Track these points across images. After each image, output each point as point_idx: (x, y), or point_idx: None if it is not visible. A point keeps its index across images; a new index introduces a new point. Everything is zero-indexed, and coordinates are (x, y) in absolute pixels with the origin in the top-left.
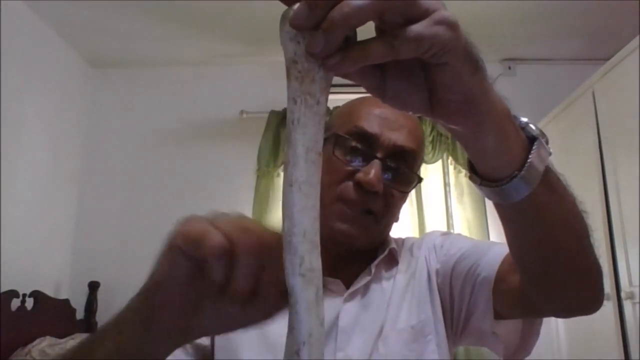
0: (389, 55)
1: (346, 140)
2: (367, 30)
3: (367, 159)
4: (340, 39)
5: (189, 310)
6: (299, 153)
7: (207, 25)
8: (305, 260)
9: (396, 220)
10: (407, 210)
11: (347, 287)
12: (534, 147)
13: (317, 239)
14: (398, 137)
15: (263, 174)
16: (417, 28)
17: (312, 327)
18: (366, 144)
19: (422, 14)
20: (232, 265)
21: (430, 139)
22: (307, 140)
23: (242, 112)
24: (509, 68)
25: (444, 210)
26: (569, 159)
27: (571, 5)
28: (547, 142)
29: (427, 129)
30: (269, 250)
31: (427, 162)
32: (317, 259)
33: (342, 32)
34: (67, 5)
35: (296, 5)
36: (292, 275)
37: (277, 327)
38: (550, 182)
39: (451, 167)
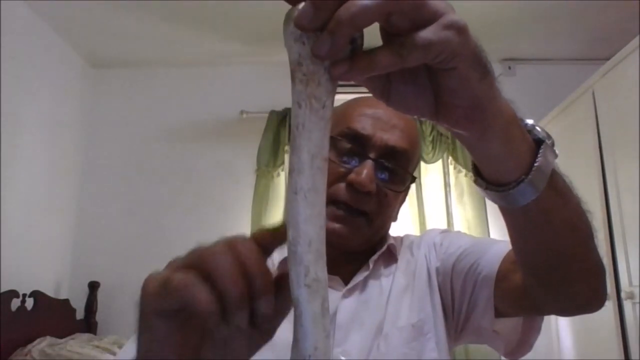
0: (397, 64)
1: (339, 141)
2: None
3: (360, 160)
4: (347, 40)
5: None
6: (304, 160)
7: (207, 25)
8: (310, 271)
9: (394, 220)
10: (408, 210)
11: (346, 284)
12: (540, 151)
13: (323, 248)
14: (390, 137)
15: (262, 174)
16: (425, 35)
17: (317, 340)
18: (359, 145)
19: (431, 18)
20: (224, 309)
21: (430, 138)
22: (312, 146)
23: (242, 112)
24: (509, 68)
25: (444, 210)
26: (569, 159)
27: (571, 5)
28: (552, 145)
29: (427, 129)
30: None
31: (427, 162)
32: (323, 269)
33: (348, 33)
34: (68, 6)
35: (301, 5)
36: (297, 286)
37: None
38: (556, 184)
39: (451, 167)
